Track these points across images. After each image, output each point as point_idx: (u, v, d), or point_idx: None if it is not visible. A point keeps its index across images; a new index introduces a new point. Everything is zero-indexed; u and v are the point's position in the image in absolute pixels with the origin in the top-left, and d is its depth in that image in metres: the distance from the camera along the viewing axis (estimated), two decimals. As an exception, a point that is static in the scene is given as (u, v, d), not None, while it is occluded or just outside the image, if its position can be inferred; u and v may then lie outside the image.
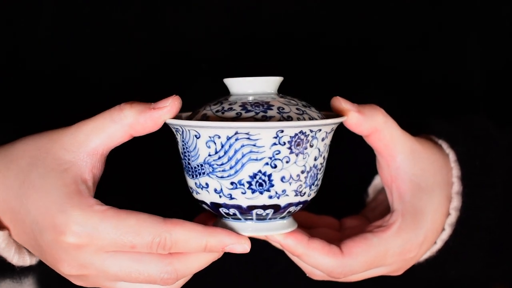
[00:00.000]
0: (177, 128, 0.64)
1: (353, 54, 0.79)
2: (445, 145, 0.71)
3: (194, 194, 0.66)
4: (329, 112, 0.67)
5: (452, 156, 0.70)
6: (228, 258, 0.66)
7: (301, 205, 0.65)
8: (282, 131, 0.61)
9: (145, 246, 0.60)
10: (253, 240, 0.65)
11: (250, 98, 0.65)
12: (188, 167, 0.64)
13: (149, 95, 0.66)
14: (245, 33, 0.78)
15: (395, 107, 0.70)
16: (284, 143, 0.62)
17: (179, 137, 0.64)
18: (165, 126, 0.66)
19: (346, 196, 0.79)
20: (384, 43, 0.80)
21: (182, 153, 0.65)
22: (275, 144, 0.61)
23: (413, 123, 0.72)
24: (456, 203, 0.69)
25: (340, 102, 0.65)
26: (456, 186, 0.69)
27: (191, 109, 0.68)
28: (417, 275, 0.73)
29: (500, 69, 0.82)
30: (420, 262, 0.72)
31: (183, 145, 0.64)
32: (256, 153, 0.61)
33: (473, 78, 0.81)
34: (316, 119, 0.64)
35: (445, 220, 0.69)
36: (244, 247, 0.62)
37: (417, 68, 0.80)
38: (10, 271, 0.67)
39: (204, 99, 0.67)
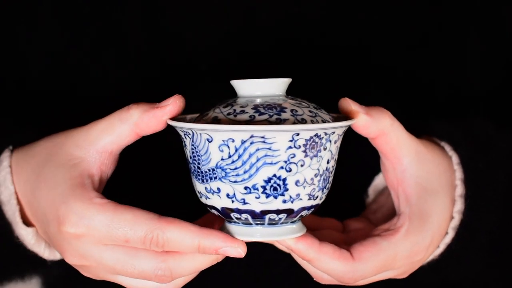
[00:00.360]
0: (186, 132, 0.62)
1: (353, 55, 0.79)
2: (448, 147, 0.71)
3: (203, 199, 0.64)
4: (337, 113, 0.66)
5: (455, 158, 0.70)
6: (228, 258, 0.64)
7: (312, 209, 0.64)
8: (298, 134, 0.60)
9: (138, 241, 0.61)
10: (253, 241, 0.64)
11: (258, 100, 0.63)
12: (198, 172, 0.63)
13: (152, 97, 0.66)
14: (243, 36, 0.77)
15: (396, 108, 0.70)
16: (299, 147, 0.60)
17: (188, 141, 0.63)
18: (173, 129, 0.64)
19: (346, 197, 0.78)
20: (384, 43, 0.79)
21: (190, 157, 0.63)
22: (290, 147, 0.60)
23: (415, 125, 0.71)
24: (459, 206, 0.69)
25: (349, 104, 0.64)
26: (460, 189, 0.69)
27: (192, 111, 0.67)
28: (418, 278, 0.72)
29: (501, 70, 0.82)
30: (422, 265, 0.71)
31: (192, 149, 0.62)
32: (271, 156, 0.60)
33: (474, 78, 0.81)
34: (328, 121, 0.63)
35: (449, 222, 0.69)
36: (237, 251, 0.62)
37: (418, 68, 0.80)
38: (42, 266, 0.70)
39: (206, 101, 0.66)
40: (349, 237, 0.70)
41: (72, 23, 0.76)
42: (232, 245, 0.62)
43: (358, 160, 0.77)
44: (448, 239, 0.70)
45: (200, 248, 0.61)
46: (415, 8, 0.79)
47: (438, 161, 0.69)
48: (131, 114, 0.63)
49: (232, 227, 0.64)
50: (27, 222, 0.68)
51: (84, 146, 0.65)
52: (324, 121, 0.62)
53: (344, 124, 0.62)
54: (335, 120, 0.64)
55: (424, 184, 0.67)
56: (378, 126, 0.65)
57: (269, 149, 0.60)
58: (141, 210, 0.62)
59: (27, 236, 0.67)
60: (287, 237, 0.64)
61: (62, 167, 0.64)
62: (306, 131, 0.60)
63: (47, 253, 0.69)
